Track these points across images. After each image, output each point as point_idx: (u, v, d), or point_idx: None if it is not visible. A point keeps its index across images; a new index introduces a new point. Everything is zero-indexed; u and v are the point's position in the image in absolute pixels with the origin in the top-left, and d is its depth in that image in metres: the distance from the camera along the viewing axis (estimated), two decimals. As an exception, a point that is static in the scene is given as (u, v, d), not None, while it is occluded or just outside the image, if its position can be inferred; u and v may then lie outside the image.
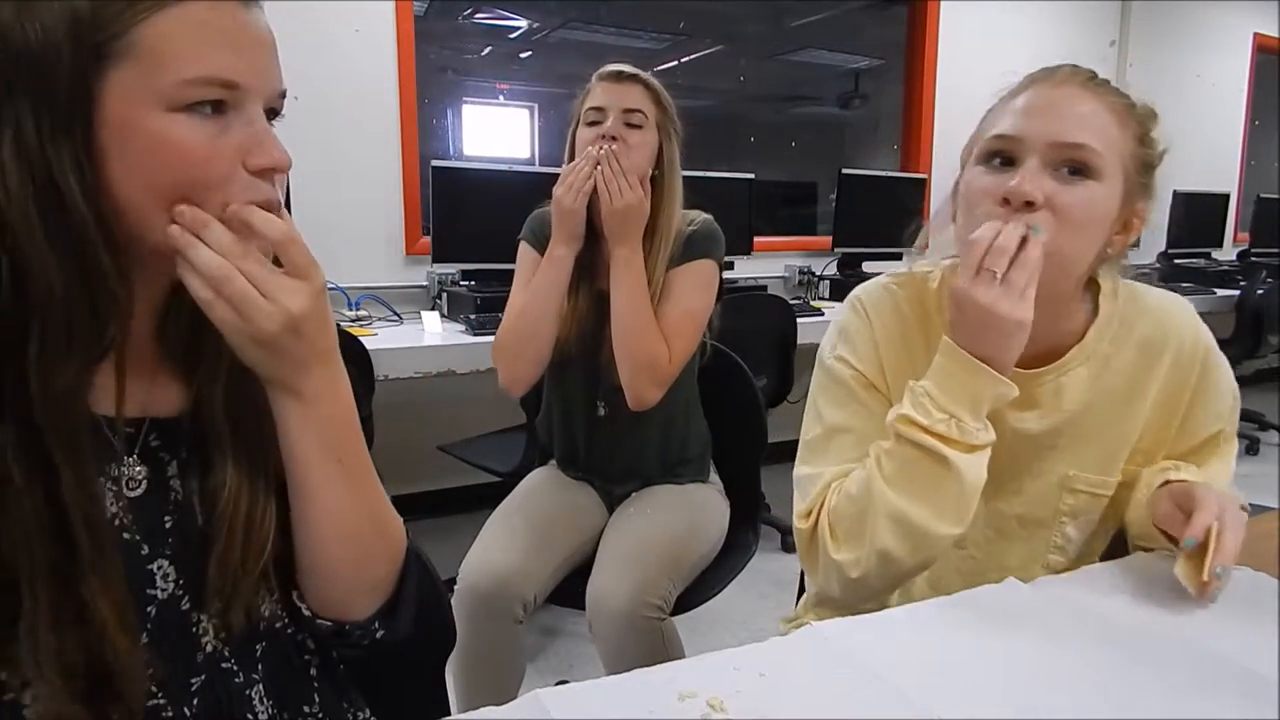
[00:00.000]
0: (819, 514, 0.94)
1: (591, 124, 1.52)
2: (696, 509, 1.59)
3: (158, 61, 0.55)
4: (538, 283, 1.53)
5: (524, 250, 1.64)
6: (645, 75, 1.54)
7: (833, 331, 1.05)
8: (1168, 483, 0.94)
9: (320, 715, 0.75)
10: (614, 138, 1.49)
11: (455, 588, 1.41)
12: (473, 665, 1.43)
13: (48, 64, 0.54)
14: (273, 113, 0.63)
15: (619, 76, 1.52)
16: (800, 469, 1.01)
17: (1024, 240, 0.83)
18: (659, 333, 1.50)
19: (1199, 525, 0.83)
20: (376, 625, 0.71)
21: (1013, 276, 0.82)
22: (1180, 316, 1.00)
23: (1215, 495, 0.86)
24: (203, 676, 0.66)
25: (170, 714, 0.64)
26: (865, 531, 0.88)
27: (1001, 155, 0.89)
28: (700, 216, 1.61)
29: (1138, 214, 0.93)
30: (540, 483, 1.67)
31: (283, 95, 0.63)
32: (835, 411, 1.00)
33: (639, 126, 1.51)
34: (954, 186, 0.98)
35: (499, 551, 1.46)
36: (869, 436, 0.93)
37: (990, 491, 0.91)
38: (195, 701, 0.66)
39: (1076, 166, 0.86)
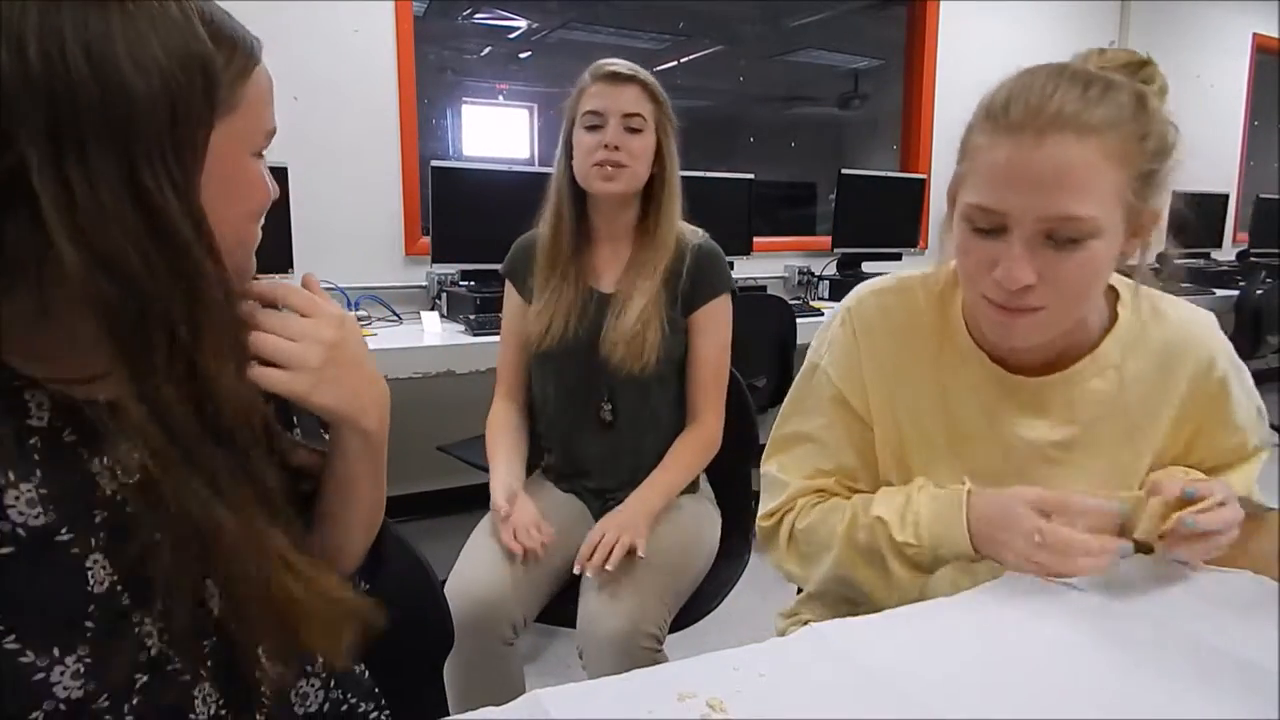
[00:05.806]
0: (783, 520, 1.03)
1: (590, 128, 1.48)
2: (689, 527, 1.53)
3: (255, 114, 0.65)
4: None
5: (507, 289, 1.63)
6: (642, 74, 1.50)
7: (822, 337, 1.07)
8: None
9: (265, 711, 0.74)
10: (615, 164, 1.46)
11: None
12: (469, 684, 1.36)
13: (169, 111, 0.56)
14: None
15: (616, 78, 1.48)
16: (767, 466, 1.07)
17: None
18: (699, 444, 1.55)
19: (1207, 488, 0.84)
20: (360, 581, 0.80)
21: (1055, 562, 0.82)
22: (1201, 330, 0.97)
23: (1228, 486, 0.87)
24: (145, 676, 0.65)
25: (110, 718, 0.63)
26: (819, 565, 0.98)
27: (985, 221, 0.84)
28: (701, 233, 1.58)
29: (1148, 217, 0.86)
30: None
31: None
32: (806, 419, 1.05)
33: (639, 131, 1.48)
34: (950, 196, 0.92)
35: (484, 571, 1.37)
36: (832, 450, 1.02)
37: None
38: (135, 700, 0.64)
39: (1070, 234, 0.81)
